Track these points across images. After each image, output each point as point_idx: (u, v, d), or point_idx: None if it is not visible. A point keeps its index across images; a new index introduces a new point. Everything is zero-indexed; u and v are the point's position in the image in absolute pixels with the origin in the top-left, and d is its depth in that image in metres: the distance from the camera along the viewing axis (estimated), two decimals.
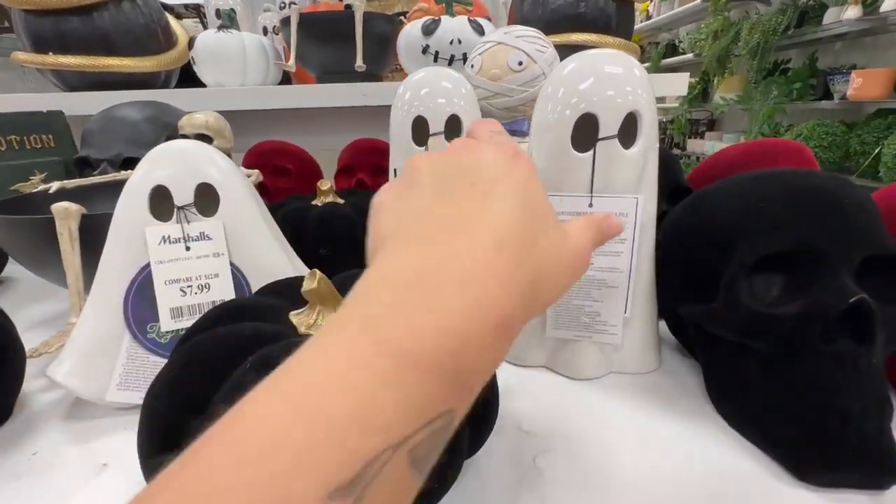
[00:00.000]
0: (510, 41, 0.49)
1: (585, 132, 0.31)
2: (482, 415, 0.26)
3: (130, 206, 0.34)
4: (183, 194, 0.34)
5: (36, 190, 0.55)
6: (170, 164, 0.34)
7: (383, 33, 0.89)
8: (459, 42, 0.80)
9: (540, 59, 0.49)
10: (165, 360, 0.33)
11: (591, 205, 0.31)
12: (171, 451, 0.21)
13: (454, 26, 0.80)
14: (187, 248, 0.34)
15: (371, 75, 0.91)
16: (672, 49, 3.93)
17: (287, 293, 0.29)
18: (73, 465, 0.29)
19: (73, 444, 0.31)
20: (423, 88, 0.42)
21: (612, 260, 0.32)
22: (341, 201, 0.55)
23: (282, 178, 0.75)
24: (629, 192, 0.31)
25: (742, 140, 3.12)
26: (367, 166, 0.74)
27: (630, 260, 0.32)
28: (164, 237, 0.34)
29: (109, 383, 0.32)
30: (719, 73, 3.13)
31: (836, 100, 2.45)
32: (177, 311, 0.34)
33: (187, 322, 0.34)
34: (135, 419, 0.23)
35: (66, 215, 0.39)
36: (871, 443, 0.24)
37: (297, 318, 0.26)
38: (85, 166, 0.66)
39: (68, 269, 0.39)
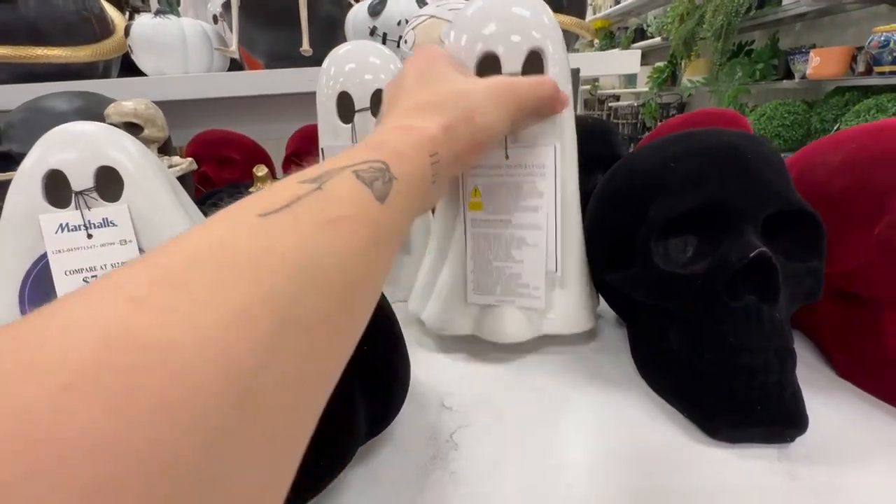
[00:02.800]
0: (442, 14, 0.47)
1: (485, 64, 0.30)
2: (387, 394, 0.25)
3: (23, 193, 0.32)
4: (82, 179, 0.32)
5: None
6: (66, 147, 0.32)
7: (331, 15, 0.86)
8: (407, 22, 0.78)
9: None
10: None
11: (507, 156, 0.30)
12: None
13: (401, 6, 0.78)
14: (89, 236, 0.32)
15: (319, 60, 0.88)
16: (641, 33, 3.97)
17: None
18: None
19: None
20: (348, 63, 0.41)
21: (530, 216, 0.31)
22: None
23: (227, 168, 0.72)
24: (545, 139, 0.30)
25: None
26: (316, 153, 0.72)
27: (551, 215, 0.30)
28: (61, 225, 0.32)
29: None
30: (686, 55, 3.17)
31: (797, 79, 2.51)
32: None
33: None
34: None
35: None
36: (774, 398, 0.24)
37: None
38: (8, 161, 0.62)
39: None
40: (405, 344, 0.26)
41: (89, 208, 0.32)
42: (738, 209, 0.25)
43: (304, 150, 0.73)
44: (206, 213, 0.41)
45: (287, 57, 0.88)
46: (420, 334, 0.38)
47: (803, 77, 2.45)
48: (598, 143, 0.45)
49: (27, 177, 0.31)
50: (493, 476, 0.24)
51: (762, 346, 0.24)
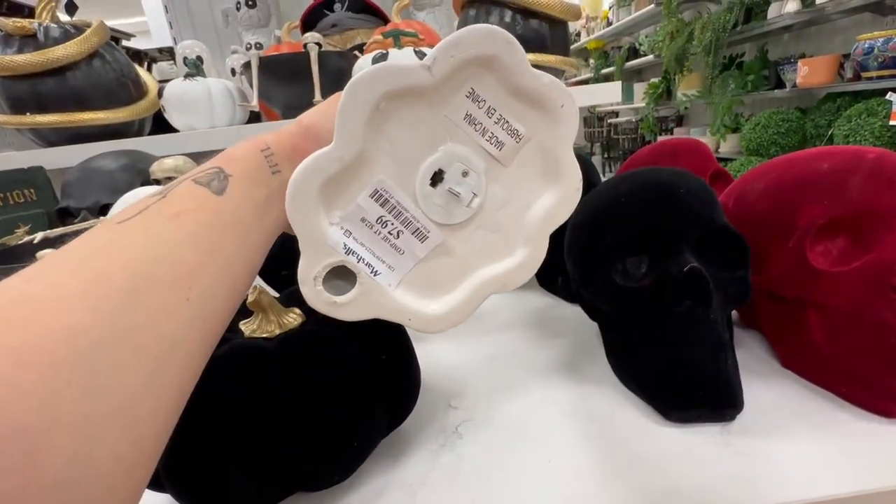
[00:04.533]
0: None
1: None
2: (403, 396, 0.31)
3: None
4: None
5: (21, 241, 0.60)
6: None
7: (339, 68, 0.96)
8: None
9: None
10: None
11: None
12: None
13: (401, 57, 0.87)
14: None
15: None
16: (634, 52, 4.09)
17: (241, 308, 0.35)
18: None
19: None
20: None
21: None
22: None
23: None
24: None
25: (707, 132, 3.24)
26: None
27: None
28: None
29: None
30: (679, 71, 3.26)
31: (788, 88, 2.58)
32: None
33: None
34: None
35: None
36: (712, 384, 0.30)
37: (245, 325, 0.31)
38: (67, 216, 0.71)
39: None
40: (415, 353, 0.33)
41: None
42: (673, 233, 0.32)
43: None
44: None
45: (301, 107, 0.97)
46: (426, 351, 0.44)
47: (794, 86, 2.52)
48: None
49: None
50: (491, 456, 0.30)
51: (699, 341, 0.30)
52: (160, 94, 0.94)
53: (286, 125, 0.27)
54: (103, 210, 0.70)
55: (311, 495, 0.28)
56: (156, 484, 0.26)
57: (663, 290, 0.31)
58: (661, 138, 3.88)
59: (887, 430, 0.28)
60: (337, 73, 0.96)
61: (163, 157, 0.67)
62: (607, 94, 0.93)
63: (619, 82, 0.95)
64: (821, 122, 2.37)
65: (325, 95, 0.92)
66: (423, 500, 0.27)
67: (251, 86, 0.92)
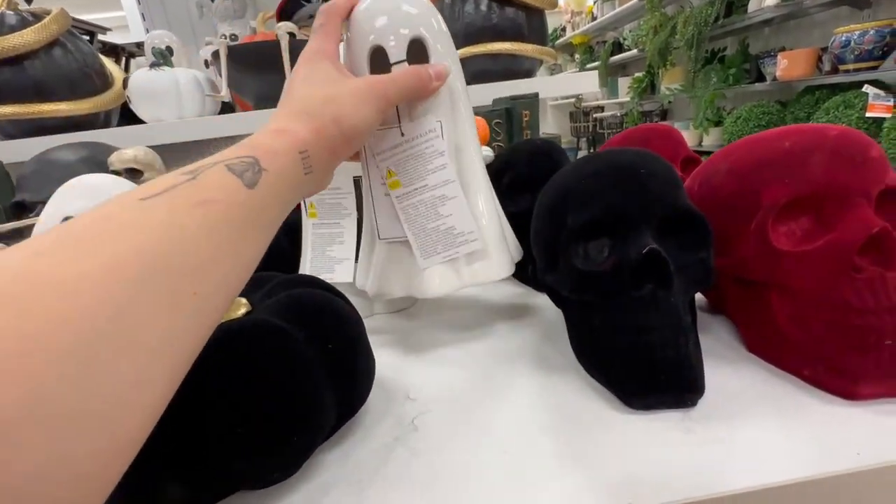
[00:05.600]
0: None
1: (382, 68, 0.35)
2: (353, 387, 0.30)
3: None
4: None
5: None
6: (80, 196, 0.38)
7: None
8: None
9: None
10: None
11: (402, 134, 0.36)
12: None
13: None
14: None
15: None
16: (618, 47, 4.10)
17: None
18: None
19: None
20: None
21: (441, 174, 0.36)
22: None
23: None
24: (428, 110, 0.36)
25: (691, 126, 3.27)
26: None
27: (455, 167, 0.36)
28: None
29: None
30: (662, 65, 3.28)
31: (769, 81, 2.60)
32: None
33: None
34: None
35: None
36: (672, 368, 0.29)
37: None
38: (22, 210, 0.68)
39: None
40: (367, 340, 0.32)
41: None
42: (635, 215, 0.31)
43: None
44: None
45: (273, 97, 0.95)
46: (393, 342, 0.43)
47: (774, 79, 2.54)
48: (544, 163, 0.50)
49: (47, 223, 0.37)
50: (445, 450, 0.29)
51: (660, 325, 0.29)
52: (125, 84, 0.91)
53: (322, 119, 0.27)
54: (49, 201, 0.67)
55: (254, 493, 0.26)
56: None
57: (623, 273, 0.30)
58: None
59: (849, 411, 0.28)
60: None
61: (122, 148, 0.64)
62: (586, 84, 0.92)
63: (595, 72, 0.94)
64: (800, 114, 2.39)
65: None
66: (372, 497, 0.26)
67: (220, 76, 0.90)
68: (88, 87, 0.92)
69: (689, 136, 3.25)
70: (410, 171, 0.37)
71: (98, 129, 0.98)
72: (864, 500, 0.24)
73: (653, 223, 0.31)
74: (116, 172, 0.63)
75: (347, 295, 0.34)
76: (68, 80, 0.88)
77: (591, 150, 4.77)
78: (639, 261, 0.29)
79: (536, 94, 0.75)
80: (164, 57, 0.92)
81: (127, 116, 1.03)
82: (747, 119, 2.59)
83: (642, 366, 0.29)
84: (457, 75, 0.38)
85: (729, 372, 0.33)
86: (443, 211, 0.37)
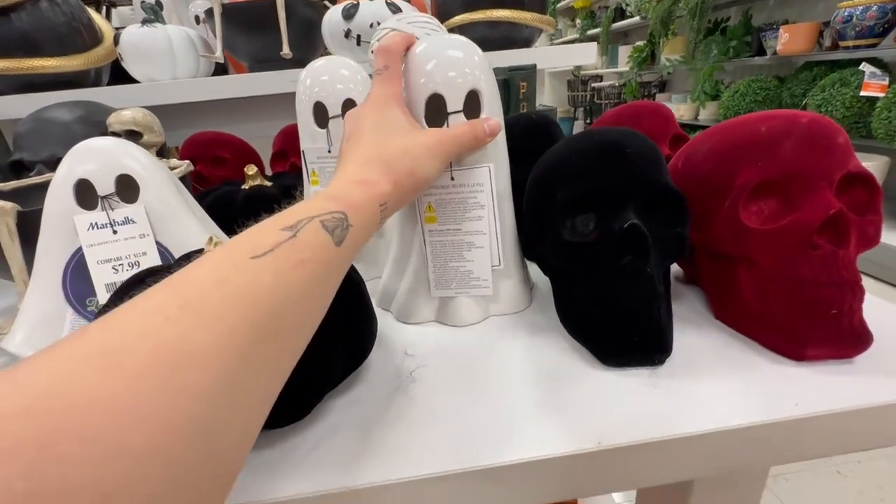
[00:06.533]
0: (402, 27, 0.54)
1: (436, 111, 0.37)
2: (359, 341, 0.33)
3: (58, 199, 0.39)
4: (105, 185, 0.39)
5: None
6: (90, 160, 0.39)
7: (308, 19, 0.92)
8: (379, 24, 0.84)
9: None
10: None
11: (452, 178, 0.38)
12: None
13: (373, 10, 0.84)
14: (114, 232, 0.40)
15: (300, 61, 0.94)
16: (621, 13, 3.99)
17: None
18: None
19: None
20: (323, 75, 0.48)
21: (475, 224, 0.39)
22: (268, 184, 0.61)
23: (219, 167, 0.79)
24: (480, 162, 0.38)
25: (688, 99, 3.25)
26: (299, 150, 0.79)
27: (491, 223, 0.38)
28: (91, 223, 0.39)
29: None
30: (664, 34, 3.21)
31: (769, 56, 2.58)
32: (111, 286, 0.39)
33: None
34: None
35: (3, 213, 0.43)
36: (645, 331, 0.32)
37: None
38: (21, 169, 0.68)
39: (11, 262, 0.44)
40: (371, 304, 0.34)
41: (113, 209, 0.39)
42: (619, 192, 0.33)
43: (289, 147, 0.79)
44: (207, 210, 0.48)
45: (269, 59, 0.94)
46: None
47: (774, 53, 2.52)
48: (541, 137, 0.52)
49: (61, 185, 0.39)
50: (440, 398, 0.32)
51: (637, 293, 0.32)
52: (116, 41, 0.89)
53: (400, 172, 0.30)
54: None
55: (269, 432, 0.30)
56: None
57: (606, 245, 0.33)
58: None
59: (795, 371, 0.32)
60: (306, 24, 0.92)
61: (120, 108, 0.64)
62: (584, 55, 0.92)
63: (595, 43, 0.94)
64: (796, 90, 2.39)
65: (293, 47, 0.89)
66: (377, 435, 0.29)
67: (214, 35, 0.88)
68: (77, 43, 0.90)
69: (686, 110, 3.24)
70: (449, 214, 0.39)
71: (89, 87, 0.96)
72: (798, 444, 0.28)
73: (636, 200, 0.33)
74: (115, 134, 0.64)
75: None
76: (56, 35, 0.86)
77: (589, 121, 4.73)
78: (621, 234, 0.32)
79: (534, 66, 0.75)
80: (154, 13, 0.89)
81: (117, 74, 1.00)
82: (744, 94, 2.58)
83: (619, 329, 0.33)
84: (497, 117, 0.39)
85: (695, 335, 0.37)
86: (467, 255, 0.39)
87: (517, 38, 0.97)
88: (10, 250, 0.44)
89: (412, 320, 0.42)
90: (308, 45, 0.97)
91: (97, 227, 0.39)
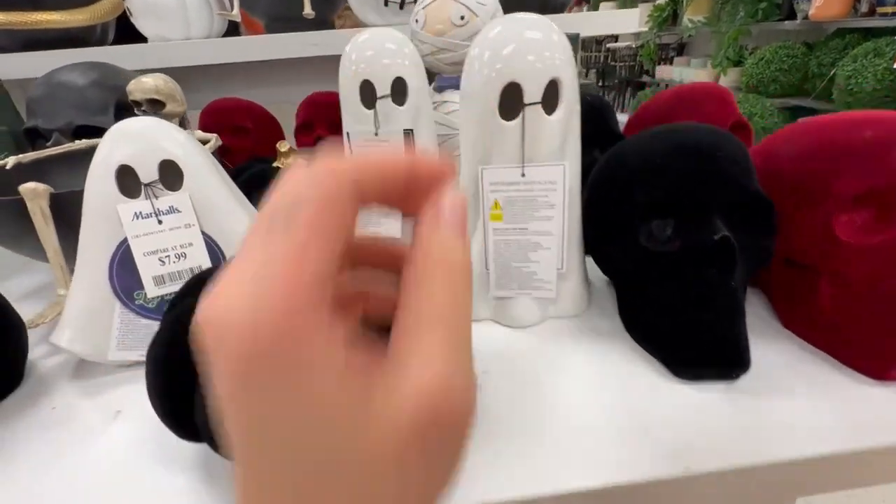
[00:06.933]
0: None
1: (509, 100, 0.34)
2: None
3: (100, 186, 0.36)
4: (148, 172, 0.37)
5: None
6: (131, 144, 0.36)
7: None
8: None
9: (481, 11, 0.50)
10: (155, 322, 0.38)
11: (523, 174, 0.35)
12: (177, 395, 0.26)
13: None
14: (159, 222, 0.37)
15: (321, 21, 0.88)
16: None
17: None
18: (90, 413, 0.34)
19: (85, 397, 0.36)
20: (368, 51, 0.44)
21: (544, 224, 0.36)
22: (299, 158, 0.58)
23: (241, 137, 0.75)
24: (554, 158, 0.35)
25: (709, 65, 3.11)
26: (326, 121, 0.75)
27: (561, 223, 0.36)
28: (136, 213, 0.37)
29: (108, 345, 0.37)
30: None
31: (799, 20, 2.45)
32: (159, 278, 0.38)
33: (170, 287, 0.38)
34: (135, 372, 0.28)
35: (35, 195, 0.41)
36: (724, 346, 0.31)
37: None
38: (36, 136, 0.65)
39: (46, 245, 0.42)
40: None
41: (157, 198, 0.37)
42: (707, 199, 0.31)
43: (315, 118, 0.75)
44: (241, 189, 0.46)
45: (287, 18, 0.88)
46: None
47: (805, 17, 2.39)
48: (595, 121, 0.49)
49: (101, 171, 0.36)
50: (506, 410, 0.32)
51: (718, 306, 0.31)
52: None
53: None
54: (77, 132, 0.64)
55: None
56: (193, 435, 0.26)
57: (690, 256, 0.31)
58: (659, 68, 3.72)
59: (877, 391, 0.31)
60: None
61: (140, 75, 0.60)
62: (625, 23, 0.87)
63: (637, 10, 0.88)
64: (825, 59, 2.29)
65: (315, 6, 0.83)
66: None
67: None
68: None
69: (705, 76, 3.11)
70: (517, 212, 0.36)
71: (94, 44, 0.90)
72: (887, 475, 0.28)
73: (724, 207, 0.31)
74: (136, 103, 0.60)
75: None
76: None
77: (601, 84, 4.56)
78: (709, 246, 0.30)
79: (577, 36, 0.71)
80: None
81: (125, 30, 0.94)
82: (770, 61, 2.47)
83: (696, 341, 0.32)
84: (577, 117, 0.35)
85: (765, 346, 0.35)
86: (532, 257, 0.37)
87: (552, 2, 0.90)
88: (44, 233, 0.42)
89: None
90: (330, 3, 0.91)
91: (142, 217, 0.37)
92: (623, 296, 0.38)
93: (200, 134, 0.62)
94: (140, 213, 0.37)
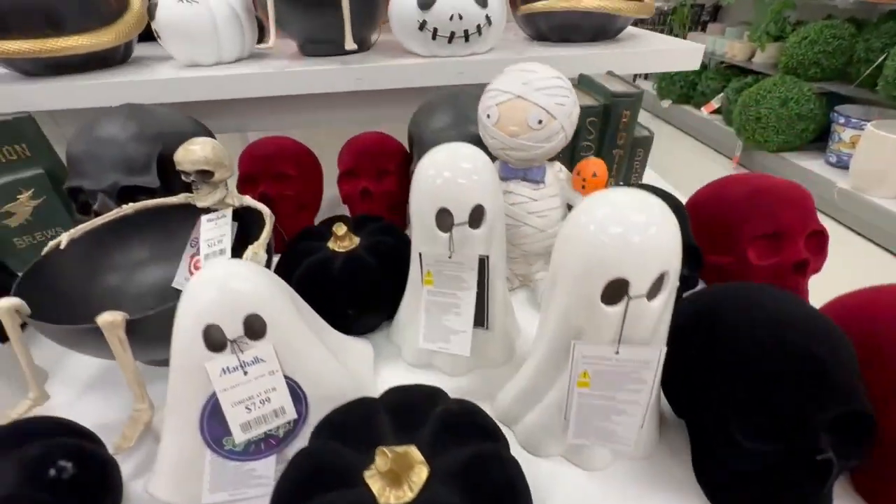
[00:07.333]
0: (530, 96, 0.46)
1: (612, 285, 0.33)
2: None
3: (187, 343, 0.36)
4: (233, 328, 0.36)
5: (47, 250, 0.54)
6: (217, 305, 0.36)
7: None
8: (460, 17, 0.72)
9: (559, 113, 0.47)
10: (244, 463, 0.39)
11: (617, 352, 0.35)
12: None
13: (454, 0, 0.71)
14: (245, 373, 0.38)
15: (359, 42, 0.82)
16: None
17: (351, 435, 0.34)
18: None
19: None
20: (445, 171, 0.42)
21: (632, 395, 0.36)
22: (356, 240, 0.56)
23: (284, 183, 0.73)
24: (650, 339, 0.34)
25: (745, 37, 2.92)
26: (372, 171, 0.72)
27: (649, 395, 0.36)
28: (223, 369, 0.37)
29: (201, 489, 0.38)
30: None
31: None
32: (245, 425, 0.38)
33: (255, 431, 0.39)
34: None
35: (113, 327, 0.41)
36: None
37: (372, 481, 0.31)
38: (79, 193, 0.63)
39: (124, 368, 0.42)
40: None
41: (242, 351, 0.37)
42: (814, 413, 0.31)
43: (359, 167, 0.73)
44: (302, 280, 0.45)
45: (324, 41, 0.82)
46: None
47: None
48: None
49: (190, 331, 0.36)
50: None
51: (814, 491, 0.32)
52: (151, 13, 0.76)
53: None
54: (122, 193, 0.62)
55: None
56: None
57: (789, 464, 0.32)
58: (691, 35, 3.46)
59: None
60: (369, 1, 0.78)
61: (187, 143, 0.57)
62: (687, 59, 0.81)
63: (702, 46, 0.81)
64: (875, 44, 2.14)
65: (354, 27, 0.76)
66: None
67: (265, 11, 0.76)
68: (104, 11, 0.77)
69: (739, 49, 2.93)
70: (606, 383, 0.36)
71: (120, 62, 0.85)
72: None
73: (826, 423, 0.31)
74: (185, 173, 0.58)
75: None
76: (81, 4, 0.73)
77: None
78: (810, 460, 0.31)
79: (640, 94, 0.66)
80: None
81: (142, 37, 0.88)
82: (814, 41, 2.32)
83: None
84: (674, 296, 0.34)
85: None
86: (616, 419, 0.37)
87: (610, 28, 0.84)
88: (122, 358, 0.42)
89: (539, 454, 0.42)
90: (368, 22, 0.84)
91: (228, 371, 0.37)
92: (699, 444, 0.39)
93: (250, 201, 0.60)
94: (227, 367, 0.37)
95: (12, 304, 0.43)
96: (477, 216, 0.43)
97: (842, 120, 2.21)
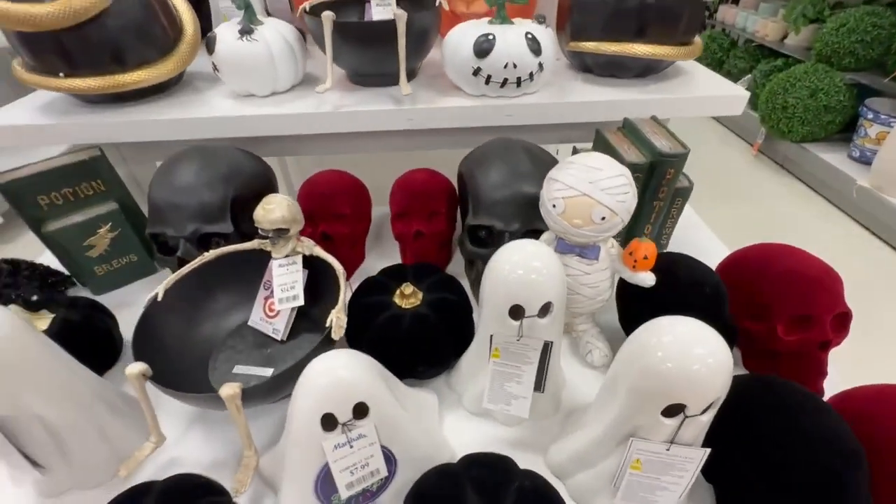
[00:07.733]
0: (595, 195, 0.50)
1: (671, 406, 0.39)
2: None
3: (305, 424, 0.43)
4: (344, 414, 0.43)
5: (148, 303, 0.60)
6: (333, 399, 0.43)
7: (423, 28, 0.79)
8: (514, 66, 0.74)
9: (620, 209, 0.51)
10: None
11: (668, 448, 0.42)
12: None
13: (510, 48, 0.73)
14: (351, 447, 0.45)
15: (408, 72, 0.84)
16: None
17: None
18: None
19: None
20: (519, 269, 0.47)
21: (677, 480, 0.43)
22: (420, 295, 0.62)
23: (340, 223, 0.77)
24: (696, 440, 0.41)
25: (780, 15, 2.80)
26: (424, 213, 0.77)
27: (689, 481, 0.43)
28: (335, 445, 0.44)
29: None
30: None
31: None
32: (349, 484, 0.46)
33: (357, 489, 0.47)
34: None
35: (233, 397, 0.48)
36: None
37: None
38: (161, 241, 0.68)
39: (239, 426, 0.50)
40: None
41: (350, 430, 0.44)
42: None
43: (411, 209, 0.77)
44: (374, 338, 0.52)
45: (374, 74, 0.84)
46: None
47: None
48: (707, 309, 0.53)
49: (307, 414, 0.43)
50: None
51: None
52: (209, 47, 0.78)
53: None
54: (202, 240, 0.67)
55: None
56: None
57: None
58: (723, 8, 3.28)
59: None
60: (420, 34, 0.80)
61: (265, 202, 0.61)
62: (724, 105, 0.83)
63: (746, 93, 0.83)
64: None
65: (409, 59, 0.78)
66: None
67: (321, 48, 0.77)
68: (162, 37, 0.78)
69: (771, 29, 2.82)
70: (656, 470, 0.42)
71: (174, 84, 0.87)
72: None
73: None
74: (263, 231, 0.63)
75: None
76: (137, 30, 0.74)
77: None
78: None
79: (686, 153, 0.70)
80: (249, 14, 0.76)
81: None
82: (853, 29, 2.24)
83: None
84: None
85: None
86: (658, 493, 0.44)
87: (655, 66, 0.85)
88: (238, 420, 0.50)
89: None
90: (419, 57, 0.86)
91: (339, 447, 0.44)
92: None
93: (321, 252, 0.65)
94: (338, 444, 0.44)
95: (140, 369, 0.50)
96: (545, 309, 0.48)
97: (870, 115, 2.17)
